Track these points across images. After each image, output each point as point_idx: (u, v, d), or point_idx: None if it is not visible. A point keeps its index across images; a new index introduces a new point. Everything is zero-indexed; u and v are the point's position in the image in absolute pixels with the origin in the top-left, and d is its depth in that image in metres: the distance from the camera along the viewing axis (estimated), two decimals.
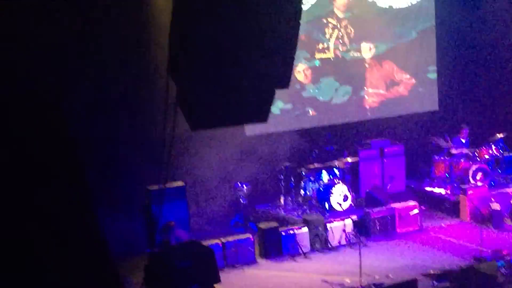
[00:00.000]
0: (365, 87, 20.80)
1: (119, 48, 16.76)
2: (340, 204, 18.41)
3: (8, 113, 9.68)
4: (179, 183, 16.84)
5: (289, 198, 19.03)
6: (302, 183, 18.92)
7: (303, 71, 20.05)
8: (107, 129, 17.07)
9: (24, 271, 9.73)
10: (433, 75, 21.50)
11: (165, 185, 13.67)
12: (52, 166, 9.63)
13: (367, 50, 20.73)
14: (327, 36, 20.21)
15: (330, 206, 18.33)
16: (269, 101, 11.14)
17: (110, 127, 17.13)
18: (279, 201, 19.10)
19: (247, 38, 10.50)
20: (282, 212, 18.65)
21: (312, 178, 18.76)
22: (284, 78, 10.94)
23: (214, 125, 12.22)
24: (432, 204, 19.41)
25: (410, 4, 20.96)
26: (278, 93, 11.41)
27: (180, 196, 16.74)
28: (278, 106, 19.33)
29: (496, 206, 18.04)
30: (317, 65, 20.18)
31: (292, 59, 10.90)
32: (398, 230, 17.85)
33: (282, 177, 19.02)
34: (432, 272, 15.09)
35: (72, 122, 10.60)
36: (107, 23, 16.46)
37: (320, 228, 17.15)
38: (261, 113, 11.24)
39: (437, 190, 19.61)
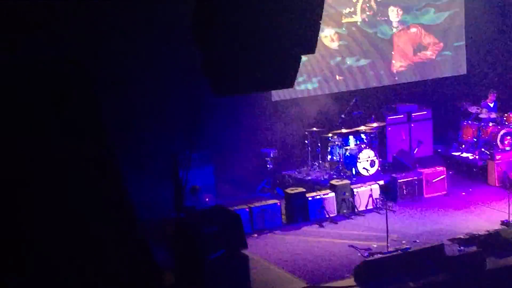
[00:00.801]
0: (392, 51, 20.64)
1: (142, 17, 16.75)
2: (367, 169, 18.38)
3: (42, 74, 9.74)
4: (206, 150, 16.85)
5: (316, 164, 19.02)
6: (329, 148, 18.89)
7: (330, 35, 19.93)
8: (133, 96, 17.11)
9: (31, 241, 9.83)
10: (461, 40, 21.29)
11: (192, 151, 13.70)
12: (79, 131, 9.70)
13: (394, 14, 20.55)
14: (354, 0, 20.05)
15: (357, 171, 18.32)
16: (295, 66, 11.13)
17: (136, 93, 17.17)
18: (306, 166, 19.09)
19: (272, 4, 10.47)
20: (309, 177, 18.64)
21: (339, 143, 18.72)
22: (310, 43, 10.92)
23: (240, 91, 12.27)
24: (460, 169, 19.33)
25: None
26: (305, 57, 11.38)
27: (206, 162, 16.77)
28: (304, 70, 19.23)
29: None
30: (344, 29, 20.04)
31: (318, 24, 10.87)
32: (425, 195, 17.81)
33: (308, 142, 19.00)
34: (459, 236, 15.06)
35: (99, 88, 10.65)
36: None
37: (346, 194, 17.14)
38: (287, 79, 11.25)
39: (464, 155, 19.51)
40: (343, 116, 19.33)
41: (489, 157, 18.60)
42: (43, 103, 9.84)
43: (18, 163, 9.60)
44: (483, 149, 19.16)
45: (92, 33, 15.31)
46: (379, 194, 17.40)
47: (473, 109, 19.69)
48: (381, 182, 17.72)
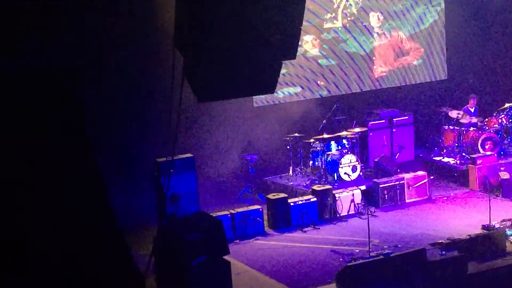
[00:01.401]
0: (373, 57, 20.71)
1: (127, 22, 16.74)
2: (348, 175, 18.42)
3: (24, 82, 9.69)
4: (188, 155, 16.83)
5: (298, 169, 19.04)
6: (311, 154, 18.91)
7: (311, 41, 19.97)
8: (115, 102, 17.08)
9: (31, 242, 9.78)
10: (442, 45, 21.38)
11: (174, 157, 13.67)
12: (60, 138, 9.65)
13: (375, 19, 20.61)
14: (335, 5, 20.10)
15: (339, 176, 18.35)
16: (277, 72, 11.13)
17: (119, 99, 17.14)
18: (288, 172, 19.10)
19: (253, 10, 10.47)
20: (291, 183, 18.66)
21: (320, 149, 18.74)
22: (291, 49, 10.92)
23: (222, 97, 12.24)
24: (441, 173, 19.40)
25: None
26: (285, 63, 11.38)
27: (189, 168, 16.74)
28: (285, 76, 19.25)
29: (505, 175, 18.02)
30: (325, 35, 20.09)
31: (299, 30, 10.88)
32: (406, 199, 17.86)
33: (290, 147, 19.02)
34: (440, 241, 15.11)
35: (81, 95, 10.61)
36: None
37: (328, 199, 17.17)
38: (269, 85, 11.24)
39: (446, 159, 19.58)
40: (324, 121, 19.36)
41: (470, 161, 18.68)
42: (39, 106, 9.79)
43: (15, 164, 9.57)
44: (464, 154, 19.24)
45: (76, 36, 15.28)
46: (361, 199, 17.44)
47: (454, 114, 19.76)
48: (363, 187, 17.76)
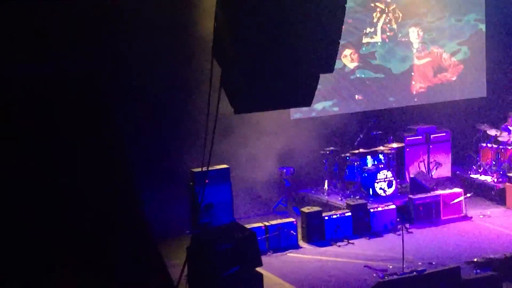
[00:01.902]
0: (412, 72, 20.61)
1: (163, 28, 16.84)
2: (384, 190, 18.33)
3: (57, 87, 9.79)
4: (224, 166, 16.86)
5: (333, 183, 18.98)
6: (347, 168, 18.85)
7: (350, 55, 19.93)
8: (152, 111, 17.17)
9: (68, 254, 9.89)
10: (482, 62, 21.22)
11: (209, 167, 13.70)
12: (95, 148, 9.73)
13: (415, 35, 20.53)
14: (375, 20, 20.05)
15: (374, 191, 18.26)
16: (314, 85, 11.14)
17: (155, 109, 17.24)
18: (323, 185, 19.05)
19: (293, 23, 10.50)
20: (325, 197, 18.61)
21: (356, 163, 18.68)
22: (328, 62, 10.93)
23: (258, 109, 12.27)
24: (478, 191, 19.22)
25: None
26: (323, 76, 11.39)
27: (224, 179, 16.76)
28: (323, 89, 19.23)
29: None
30: (364, 49, 20.05)
31: (337, 44, 10.88)
32: (442, 217, 17.73)
33: (326, 161, 18.97)
34: (475, 260, 14.98)
35: (116, 103, 10.71)
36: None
37: (363, 214, 17.10)
38: (305, 97, 11.25)
39: (483, 177, 19.42)
40: (361, 136, 19.30)
41: (508, 180, 18.51)
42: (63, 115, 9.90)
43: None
44: (501, 172, 19.07)
45: (111, 47, 15.39)
46: (396, 215, 17.34)
47: (492, 132, 19.62)
48: (399, 203, 17.67)
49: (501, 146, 19.35)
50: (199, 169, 14.95)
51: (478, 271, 14.43)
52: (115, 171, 10.07)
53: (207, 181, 13.92)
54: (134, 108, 16.54)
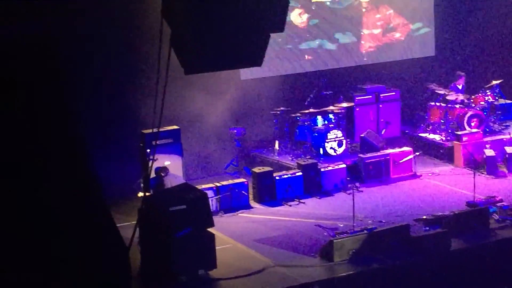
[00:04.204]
0: (361, 32, 20.65)
1: None
2: (334, 150, 18.41)
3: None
4: (174, 127, 16.80)
5: (284, 143, 19.02)
6: (297, 128, 18.88)
7: (299, 14, 19.89)
8: (101, 74, 17.00)
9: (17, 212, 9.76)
10: (430, 21, 21.33)
11: (159, 129, 13.63)
12: (44, 110, 9.60)
13: None
14: None
15: (325, 151, 18.33)
16: (264, 45, 11.10)
17: (104, 70, 17.05)
18: (274, 146, 19.08)
19: None
20: (276, 157, 18.66)
21: (307, 123, 18.73)
22: (279, 22, 10.89)
23: (209, 69, 12.21)
24: (427, 150, 19.42)
25: None
26: (273, 36, 11.35)
27: (174, 140, 16.71)
28: (273, 49, 19.17)
29: (490, 152, 18.07)
30: (314, 8, 20.01)
31: (287, 3, 10.84)
32: (392, 175, 17.90)
33: (277, 121, 18.98)
34: (424, 217, 15.17)
35: (66, 64, 10.54)
36: None
37: (314, 173, 17.19)
38: (256, 57, 11.21)
39: (432, 136, 19.60)
40: (311, 96, 19.33)
41: (456, 138, 18.71)
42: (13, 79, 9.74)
43: None
44: (450, 131, 19.27)
45: (58, 9, 15.16)
46: (346, 174, 17.47)
47: (441, 91, 19.78)
48: (349, 162, 17.80)
49: (449, 105, 19.51)
50: (150, 130, 14.88)
51: (427, 228, 14.64)
52: (65, 132, 9.94)
53: (157, 142, 13.84)
54: (82, 68, 16.34)
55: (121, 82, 17.35)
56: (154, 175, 15.26)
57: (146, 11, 16.55)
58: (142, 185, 15.45)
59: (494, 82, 20.09)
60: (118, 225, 12.56)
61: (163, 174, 15.16)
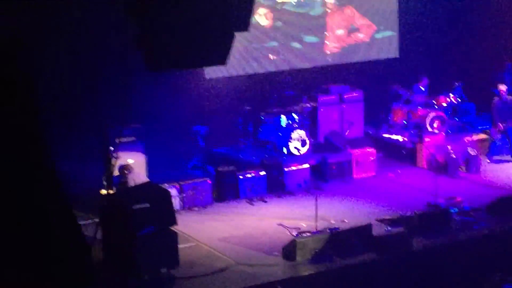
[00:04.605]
0: (325, 32, 20.73)
1: None
2: (298, 149, 18.45)
3: None
4: (137, 125, 16.74)
5: (248, 142, 19.03)
6: (261, 127, 18.91)
7: (264, 14, 19.92)
8: (64, 69, 16.89)
9: None
10: (395, 23, 21.47)
11: (123, 127, 13.60)
12: (4, 104, 9.50)
13: None
14: None
15: (288, 150, 18.37)
16: (229, 44, 11.10)
17: (68, 66, 16.95)
18: (238, 145, 19.09)
19: None
20: (240, 156, 18.66)
21: (270, 123, 18.75)
22: (243, 21, 10.90)
23: (173, 67, 12.18)
24: (389, 150, 19.55)
25: None
26: (239, 36, 11.37)
27: (138, 137, 16.66)
28: (238, 48, 19.18)
29: (451, 154, 18.23)
30: (279, 8, 20.06)
31: (252, 2, 10.85)
32: (354, 175, 18.00)
33: (240, 121, 19.00)
34: (386, 217, 15.27)
35: (27, 59, 10.44)
36: None
37: (277, 173, 17.23)
38: (221, 56, 11.21)
39: (394, 137, 19.74)
40: (275, 95, 19.37)
41: (418, 139, 18.85)
42: None
43: None
44: (412, 132, 19.42)
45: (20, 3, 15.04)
46: (310, 174, 17.53)
47: (404, 92, 19.92)
48: (312, 162, 17.86)
49: (412, 106, 19.66)
50: (113, 127, 14.82)
51: (389, 228, 14.73)
52: (24, 127, 9.85)
53: (121, 139, 13.79)
54: (46, 64, 16.21)
55: (85, 78, 17.24)
56: (118, 173, 15.22)
57: (110, 8, 16.46)
58: (104, 183, 15.39)
59: (456, 84, 20.26)
60: (80, 223, 12.54)
61: (126, 172, 15.13)
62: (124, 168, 15.22)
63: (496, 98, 19.05)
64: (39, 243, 10.41)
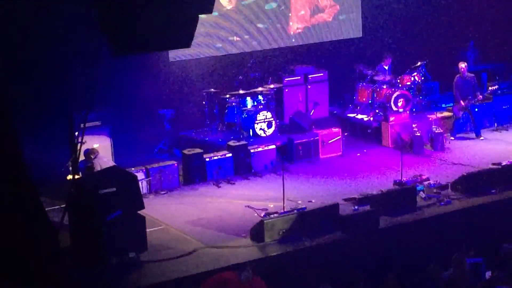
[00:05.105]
0: (289, 13, 20.72)
1: None
2: (264, 131, 18.47)
3: None
4: (103, 109, 16.64)
5: (213, 124, 19.02)
6: (227, 110, 18.90)
7: None
8: (29, 55, 16.72)
9: None
10: (357, 3, 21.52)
11: (88, 111, 13.51)
12: None
13: None
14: None
15: (254, 132, 18.39)
16: (193, 26, 11.10)
17: (32, 53, 16.78)
18: (204, 127, 19.07)
19: None
20: (206, 139, 18.65)
21: (236, 104, 18.74)
22: (207, 3, 10.89)
23: (137, 51, 12.15)
24: (355, 130, 19.66)
25: None
26: (202, 18, 11.34)
27: (103, 122, 16.58)
28: (202, 31, 19.12)
29: (416, 132, 18.35)
30: None
31: None
32: (321, 156, 18.08)
33: (206, 103, 18.97)
34: (353, 196, 15.35)
35: None
36: None
37: (244, 154, 17.25)
38: (185, 39, 11.20)
39: (359, 116, 19.82)
40: (240, 77, 19.35)
41: (383, 118, 18.96)
42: None
43: None
44: (377, 111, 19.51)
45: None
46: (276, 155, 17.57)
47: (368, 72, 20.00)
48: (278, 143, 17.90)
49: (376, 85, 19.76)
50: (78, 112, 14.74)
51: (356, 207, 14.82)
52: None
53: (86, 124, 13.70)
54: (12, 51, 16.07)
55: (49, 63, 17.08)
56: (83, 158, 15.16)
57: None
58: (70, 168, 15.31)
59: (420, 63, 20.38)
60: (47, 208, 12.49)
61: (92, 157, 15.07)
62: (90, 153, 15.16)
63: (457, 76, 19.22)
64: (5, 228, 10.35)
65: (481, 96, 19.25)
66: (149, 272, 12.80)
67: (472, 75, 19.50)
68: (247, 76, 19.44)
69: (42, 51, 16.85)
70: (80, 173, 14.95)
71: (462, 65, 19.18)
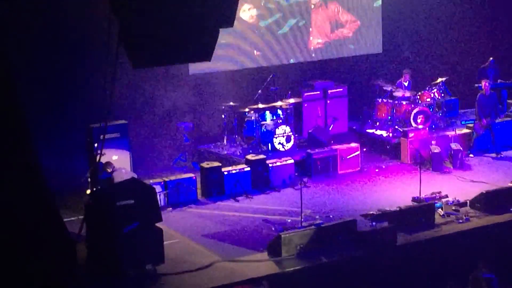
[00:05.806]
0: (310, 28, 20.74)
1: None
2: (282, 145, 18.48)
3: None
4: (122, 121, 16.70)
5: (232, 138, 19.03)
6: (246, 123, 18.91)
7: (249, 10, 19.91)
8: (48, 67, 16.82)
9: None
10: (378, 18, 21.51)
11: (107, 123, 13.56)
12: None
13: None
14: None
15: (273, 146, 18.39)
16: (213, 40, 11.12)
17: (52, 64, 16.88)
18: (222, 141, 19.09)
19: None
20: (225, 152, 18.66)
21: (255, 118, 18.75)
22: (228, 17, 10.91)
23: (157, 63, 12.19)
24: (374, 146, 19.60)
25: None
26: (223, 31, 11.37)
27: (122, 134, 16.62)
28: (222, 44, 19.16)
29: (436, 149, 18.29)
30: (263, 4, 20.05)
31: None
32: (339, 171, 18.03)
33: (225, 117, 18.99)
34: (371, 212, 15.29)
35: (12, 57, 10.41)
36: None
37: (262, 169, 17.23)
38: (205, 52, 11.22)
39: (378, 132, 19.79)
40: (260, 91, 19.37)
41: (402, 135, 18.91)
42: None
43: None
44: (396, 127, 19.46)
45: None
46: (294, 170, 17.55)
47: (387, 87, 19.97)
48: (297, 158, 17.88)
49: (396, 101, 19.73)
50: (98, 125, 14.77)
51: (374, 223, 14.75)
52: (11, 126, 9.84)
53: (105, 136, 13.74)
54: (32, 63, 16.18)
55: (69, 75, 17.18)
56: (102, 170, 15.19)
57: (95, 4, 16.41)
58: (89, 179, 15.35)
59: (440, 79, 20.34)
60: (65, 220, 12.52)
61: (109, 170, 15.10)
62: (105, 166, 15.19)
63: (479, 94, 19.15)
64: (24, 239, 10.38)
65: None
66: (165, 285, 12.80)
67: (494, 92, 19.43)
68: (267, 90, 19.46)
69: (62, 62, 16.96)
70: (99, 185, 14.98)
71: (485, 83, 19.11)
